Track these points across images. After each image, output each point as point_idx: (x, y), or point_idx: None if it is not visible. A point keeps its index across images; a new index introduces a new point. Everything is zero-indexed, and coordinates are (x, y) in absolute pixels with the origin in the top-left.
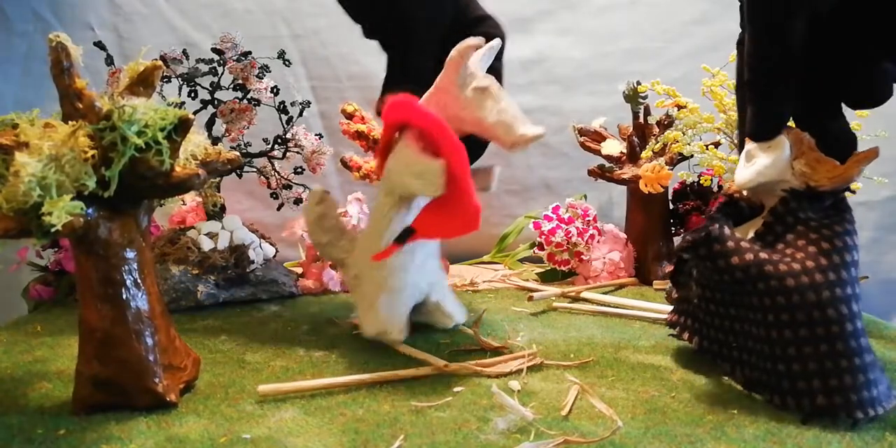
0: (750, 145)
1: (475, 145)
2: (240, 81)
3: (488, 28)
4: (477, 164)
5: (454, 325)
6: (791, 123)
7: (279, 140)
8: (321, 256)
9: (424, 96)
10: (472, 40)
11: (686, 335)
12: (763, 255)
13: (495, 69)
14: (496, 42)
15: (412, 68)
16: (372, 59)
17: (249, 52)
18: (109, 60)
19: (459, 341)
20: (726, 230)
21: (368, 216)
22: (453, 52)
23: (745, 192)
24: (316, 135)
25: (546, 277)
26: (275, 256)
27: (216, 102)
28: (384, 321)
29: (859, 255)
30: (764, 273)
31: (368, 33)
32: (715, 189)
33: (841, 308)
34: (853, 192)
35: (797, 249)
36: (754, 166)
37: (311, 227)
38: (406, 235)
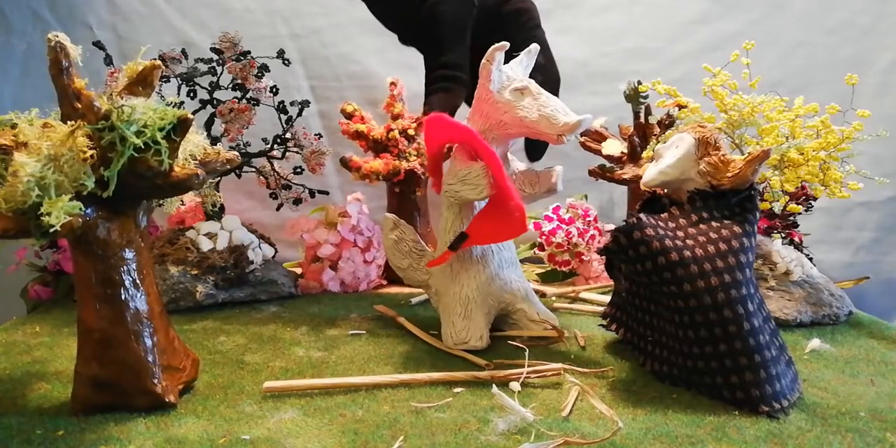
0: (659, 145)
1: (536, 146)
2: (239, 81)
3: (517, 3)
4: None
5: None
6: (703, 123)
7: (278, 140)
8: (405, 281)
9: (471, 109)
10: (497, 45)
11: (614, 326)
12: (670, 243)
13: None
14: (534, 47)
15: (449, 65)
16: (372, 59)
17: (248, 52)
18: (108, 60)
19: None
20: (644, 220)
21: (438, 233)
22: (483, 60)
23: (665, 189)
24: (315, 135)
25: (546, 278)
26: (274, 257)
27: (215, 102)
28: (462, 331)
29: (754, 255)
30: (671, 260)
31: (403, 40)
32: None
33: (737, 308)
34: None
35: (698, 245)
36: (658, 165)
37: (389, 252)
38: (459, 241)
